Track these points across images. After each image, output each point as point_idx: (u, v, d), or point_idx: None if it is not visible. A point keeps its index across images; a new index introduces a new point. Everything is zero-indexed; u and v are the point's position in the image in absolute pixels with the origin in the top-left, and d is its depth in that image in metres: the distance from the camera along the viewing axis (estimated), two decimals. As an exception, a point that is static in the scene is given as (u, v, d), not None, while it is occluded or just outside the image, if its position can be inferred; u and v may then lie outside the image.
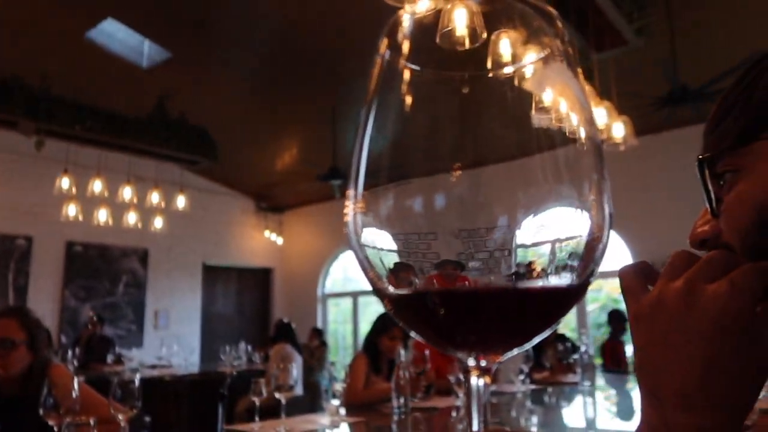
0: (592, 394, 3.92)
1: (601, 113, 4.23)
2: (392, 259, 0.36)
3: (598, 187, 0.35)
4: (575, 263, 0.34)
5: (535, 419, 3.07)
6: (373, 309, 10.76)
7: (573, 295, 0.35)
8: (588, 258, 0.35)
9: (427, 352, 3.41)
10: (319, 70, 7.04)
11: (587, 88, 4.19)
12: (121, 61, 6.89)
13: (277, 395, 2.66)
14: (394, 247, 0.36)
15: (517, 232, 0.34)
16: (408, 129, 0.36)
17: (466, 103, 0.36)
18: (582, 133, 0.35)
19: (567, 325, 7.76)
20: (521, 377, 3.86)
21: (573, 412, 3.44)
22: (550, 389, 4.16)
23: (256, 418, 2.69)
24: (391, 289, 0.36)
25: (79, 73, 7.00)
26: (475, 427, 0.36)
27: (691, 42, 5.60)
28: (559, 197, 0.34)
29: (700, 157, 0.60)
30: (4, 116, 6.83)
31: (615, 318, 6.74)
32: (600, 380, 4.78)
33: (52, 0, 6.03)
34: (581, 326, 7.97)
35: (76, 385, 1.98)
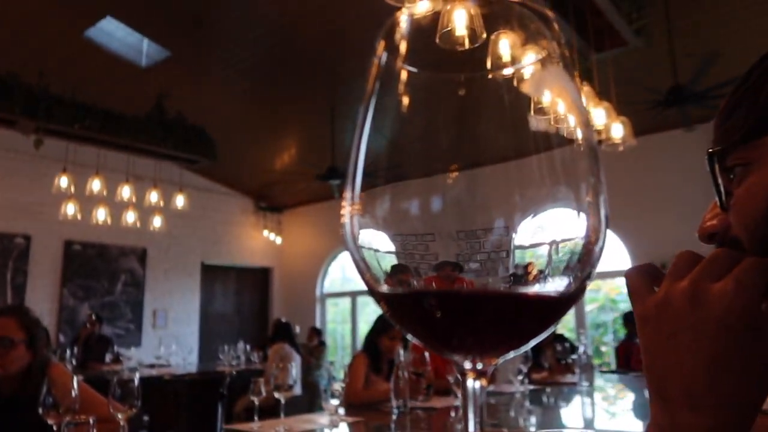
0: (590, 395, 3.92)
1: (600, 114, 4.24)
2: (389, 261, 0.36)
3: (594, 189, 0.35)
4: (573, 265, 0.34)
5: (533, 419, 3.07)
6: (371, 309, 10.76)
7: (570, 297, 0.35)
8: (585, 260, 0.35)
9: (426, 353, 3.41)
10: (318, 70, 7.04)
11: (586, 88, 4.19)
12: (119, 59, 6.89)
13: (276, 395, 2.66)
14: (392, 248, 0.35)
15: (515, 234, 0.34)
16: (405, 130, 0.36)
17: (464, 105, 0.36)
18: (578, 136, 0.35)
19: (565, 325, 7.77)
20: (520, 377, 3.86)
21: (571, 413, 3.44)
22: (548, 389, 4.16)
23: (255, 418, 2.69)
24: (387, 291, 0.36)
25: (78, 72, 6.99)
26: (471, 429, 0.36)
27: (689, 43, 5.60)
28: (556, 199, 0.34)
29: (710, 150, 0.60)
30: (2, 115, 6.82)
31: (631, 320, 6.71)
32: (599, 380, 4.79)
33: (51, -1, 6.02)
34: (580, 326, 7.98)
35: (75, 384, 1.98)
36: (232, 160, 9.59)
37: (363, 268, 0.36)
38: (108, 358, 6.73)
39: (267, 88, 7.66)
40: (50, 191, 7.31)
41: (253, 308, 11.71)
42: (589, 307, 8.69)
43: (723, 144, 0.60)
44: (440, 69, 0.36)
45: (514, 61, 0.36)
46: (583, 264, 0.35)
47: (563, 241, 0.35)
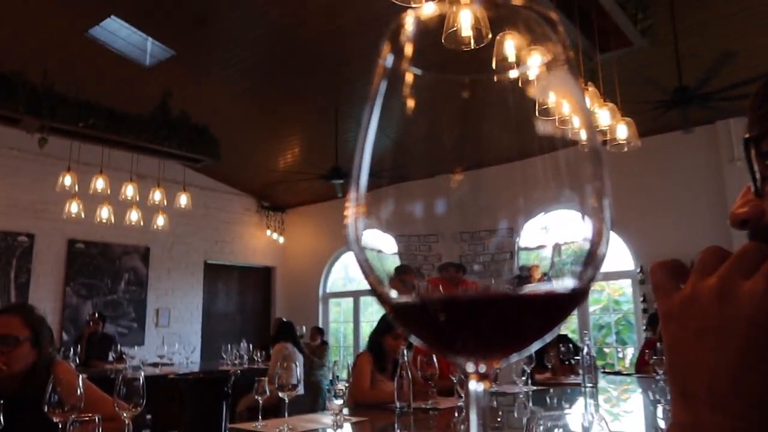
0: (594, 396, 3.91)
1: (604, 114, 4.23)
2: (393, 262, 0.35)
3: (598, 191, 0.35)
4: (576, 267, 0.34)
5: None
6: (373, 309, 10.76)
7: (574, 299, 0.35)
8: (589, 262, 0.35)
9: (434, 355, 3.40)
10: (322, 70, 7.04)
11: (591, 89, 4.19)
12: (123, 59, 6.90)
13: (280, 394, 2.66)
14: (395, 249, 0.35)
15: (519, 236, 0.34)
16: (410, 132, 0.36)
17: (469, 107, 0.36)
18: (583, 138, 0.35)
19: (568, 326, 7.75)
20: (523, 378, 3.86)
21: (575, 414, 3.43)
22: (552, 390, 4.16)
23: (260, 417, 2.70)
24: (390, 292, 0.36)
25: (83, 71, 7.01)
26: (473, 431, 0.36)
27: (695, 43, 5.59)
28: (560, 201, 0.34)
29: (747, 136, 0.59)
30: (7, 113, 6.83)
31: (657, 321, 6.66)
32: (602, 381, 4.78)
33: (55, -2, 6.04)
34: (583, 328, 7.97)
35: (80, 383, 1.98)
36: (236, 160, 9.60)
37: (366, 268, 0.36)
38: (111, 356, 6.73)
39: (270, 87, 7.67)
40: (54, 190, 7.33)
41: (255, 308, 11.72)
42: (592, 309, 8.68)
43: (759, 129, 0.59)
44: (446, 71, 0.36)
45: (519, 63, 0.36)
46: (586, 266, 0.34)
47: (567, 243, 0.35)
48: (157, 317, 9.95)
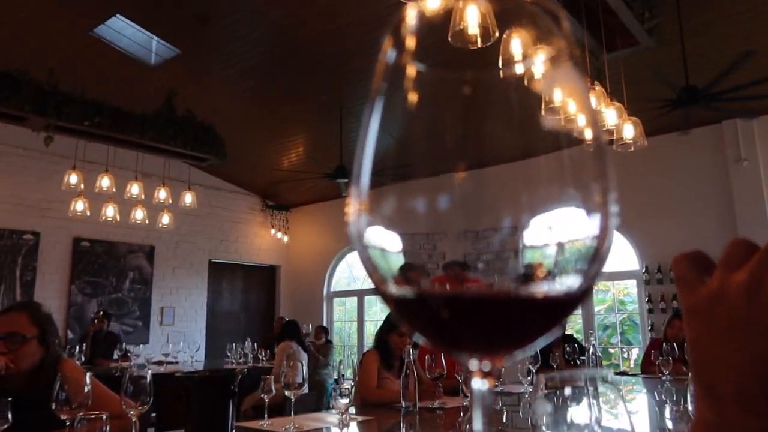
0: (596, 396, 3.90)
1: (611, 114, 4.22)
2: (397, 260, 0.35)
3: (603, 189, 0.34)
4: (581, 264, 0.34)
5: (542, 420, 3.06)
6: (378, 308, 10.76)
7: (578, 296, 0.35)
8: (594, 260, 0.34)
9: (442, 356, 3.39)
10: (324, 69, 7.04)
11: (598, 88, 4.17)
12: (129, 57, 6.92)
13: (286, 393, 2.67)
14: (399, 247, 0.35)
15: (523, 233, 0.34)
16: (413, 128, 0.36)
17: (473, 103, 0.35)
18: (588, 135, 0.35)
19: (573, 326, 7.74)
20: (528, 378, 3.85)
21: (580, 413, 3.43)
22: (557, 390, 4.15)
23: (266, 416, 2.70)
24: (394, 290, 0.35)
25: (88, 70, 7.03)
26: (478, 430, 0.36)
27: (701, 43, 5.57)
28: (565, 199, 0.34)
29: None
30: (13, 112, 6.86)
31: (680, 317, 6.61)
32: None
33: (61, -3, 6.06)
34: (588, 328, 7.96)
35: (88, 380, 1.99)
36: (241, 159, 9.61)
37: (370, 266, 0.36)
38: (116, 354, 6.75)
39: (275, 86, 7.68)
40: (59, 188, 7.36)
41: (259, 307, 11.74)
42: (597, 309, 8.67)
43: None
44: (450, 66, 0.35)
45: (525, 59, 0.35)
46: (591, 263, 0.34)
47: (571, 240, 0.34)
48: (161, 316, 9.98)
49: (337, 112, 7.84)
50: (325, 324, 10.64)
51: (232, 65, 7.16)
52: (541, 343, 0.36)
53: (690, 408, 1.76)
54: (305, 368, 2.88)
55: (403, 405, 3.04)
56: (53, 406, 1.92)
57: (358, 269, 11.25)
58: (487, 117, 0.36)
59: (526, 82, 0.35)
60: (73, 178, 7.11)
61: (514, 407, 3.36)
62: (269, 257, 11.85)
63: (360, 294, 11.09)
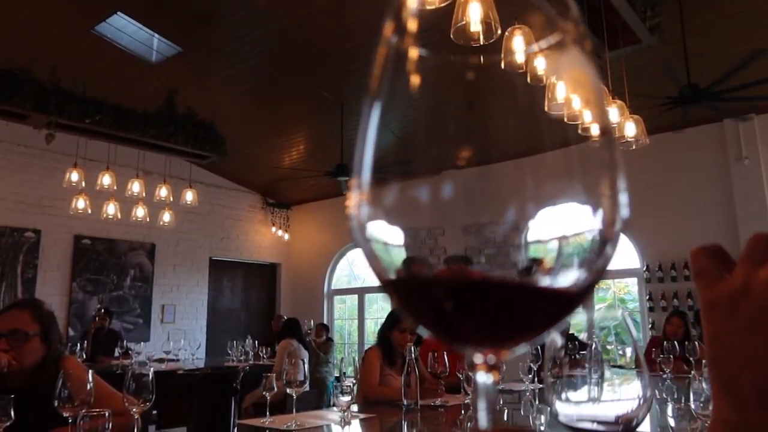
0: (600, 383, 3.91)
1: (613, 112, 4.22)
2: (399, 253, 0.34)
3: (611, 181, 0.33)
4: (586, 259, 0.33)
5: (543, 418, 3.06)
6: (378, 306, 10.77)
7: (584, 290, 0.34)
8: (599, 255, 0.33)
9: (445, 354, 3.39)
10: (326, 68, 7.04)
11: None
12: (130, 55, 6.92)
13: (288, 390, 2.67)
14: (401, 241, 0.34)
15: (527, 227, 0.33)
16: (415, 119, 0.35)
17: (476, 91, 0.35)
18: (596, 125, 0.34)
19: (576, 326, 7.72)
20: (530, 375, 3.85)
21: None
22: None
23: (267, 413, 2.71)
24: (396, 280, 0.35)
25: (89, 68, 7.03)
26: (482, 423, 0.35)
27: (702, 41, 5.57)
28: (570, 192, 0.33)
29: None
30: (14, 109, 6.86)
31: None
32: (608, 372, 4.77)
33: (62, -6, 6.05)
34: (590, 325, 7.94)
35: (90, 377, 1.99)
36: (241, 157, 9.61)
37: (372, 260, 0.35)
38: (117, 352, 6.76)
39: (276, 84, 7.68)
40: (61, 186, 7.36)
41: (260, 304, 11.75)
42: (597, 306, 8.66)
43: None
44: (453, 52, 0.34)
45: (531, 44, 0.35)
46: (596, 258, 0.33)
47: (577, 235, 0.33)
48: (162, 313, 9.99)
49: (338, 111, 7.83)
50: (325, 322, 10.65)
51: (232, 65, 7.15)
52: (546, 335, 0.35)
53: (692, 406, 1.77)
54: (306, 366, 2.88)
55: (405, 403, 3.04)
56: (56, 404, 1.92)
57: (358, 267, 11.26)
58: (491, 106, 0.35)
59: (532, 68, 0.34)
60: (75, 176, 7.11)
61: (514, 405, 3.37)
62: (270, 255, 11.85)
63: (361, 292, 11.10)
